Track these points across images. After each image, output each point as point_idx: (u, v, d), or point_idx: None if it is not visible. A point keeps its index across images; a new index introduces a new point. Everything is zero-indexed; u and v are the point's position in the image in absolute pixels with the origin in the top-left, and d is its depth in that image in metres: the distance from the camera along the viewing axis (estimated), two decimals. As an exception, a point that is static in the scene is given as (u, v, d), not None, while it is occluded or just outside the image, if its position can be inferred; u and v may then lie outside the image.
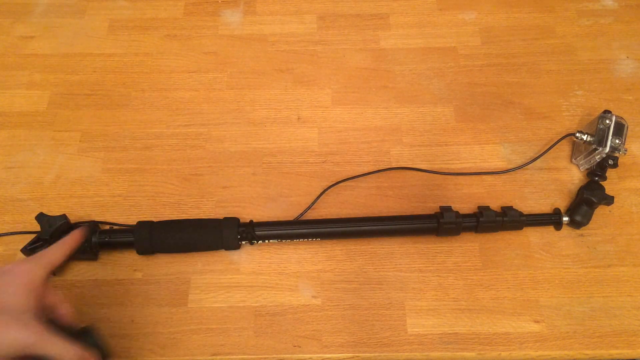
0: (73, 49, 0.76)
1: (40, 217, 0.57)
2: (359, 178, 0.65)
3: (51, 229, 0.56)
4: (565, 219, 0.61)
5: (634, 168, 0.66)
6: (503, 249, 0.60)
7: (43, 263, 0.46)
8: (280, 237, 0.59)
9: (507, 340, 0.55)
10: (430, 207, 0.63)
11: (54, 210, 0.61)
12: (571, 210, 0.61)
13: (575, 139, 0.65)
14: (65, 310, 0.47)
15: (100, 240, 0.58)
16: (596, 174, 0.63)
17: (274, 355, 0.55)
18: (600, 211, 0.62)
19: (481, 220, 0.59)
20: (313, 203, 0.63)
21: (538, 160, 0.66)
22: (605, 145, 0.61)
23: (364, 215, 0.61)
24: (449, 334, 0.56)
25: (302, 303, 0.57)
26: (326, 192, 0.64)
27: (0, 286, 0.42)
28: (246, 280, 0.59)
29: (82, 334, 0.45)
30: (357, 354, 0.55)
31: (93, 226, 0.59)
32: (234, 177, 0.65)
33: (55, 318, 0.46)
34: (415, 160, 0.66)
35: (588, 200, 0.60)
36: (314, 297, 0.58)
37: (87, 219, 0.62)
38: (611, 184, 0.64)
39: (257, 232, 0.58)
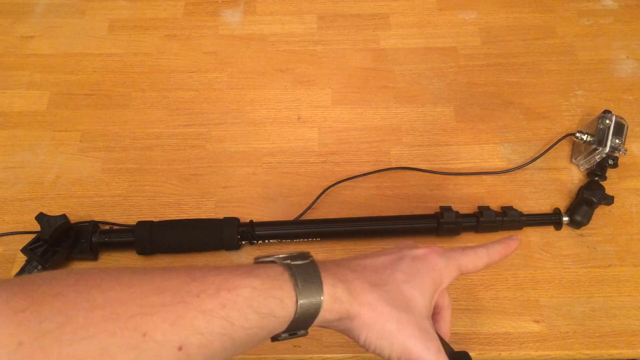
0: (73, 49, 0.76)
1: (40, 217, 0.57)
2: (359, 178, 0.65)
3: (51, 229, 0.56)
4: (565, 219, 0.61)
5: (634, 168, 0.66)
6: (503, 249, 0.60)
7: (458, 264, 0.39)
8: (280, 237, 0.59)
9: (507, 340, 0.55)
10: (430, 207, 0.63)
11: (54, 210, 0.61)
12: (571, 210, 0.61)
13: (575, 139, 0.65)
14: (447, 323, 0.40)
15: (100, 240, 0.58)
16: (596, 174, 0.63)
17: (274, 355, 0.55)
18: (600, 211, 0.62)
19: (481, 220, 0.59)
20: (313, 203, 0.63)
21: (538, 160, 0.66)
22: (605, 145, 0.61)
23: (364, 215, 0.61)
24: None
25: (302, 303, 0.57)
26: (326, 192, 0.64)
27: (412, 273, 0.36)
28: (246, 280, 0.59)
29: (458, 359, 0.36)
30: (357, 354, 0.55)
31: (93, 226, 0.59)
32: (234, 177, 0.65)
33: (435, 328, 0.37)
34: (415, 160, 0.66)
35: (588, 200, 0.60)
36: (314, 297, 0.58)
37: (87, 219, 0.62)
38: (611, 184, 0.64)
39: (257, 232, 0.58)
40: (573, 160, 0.66)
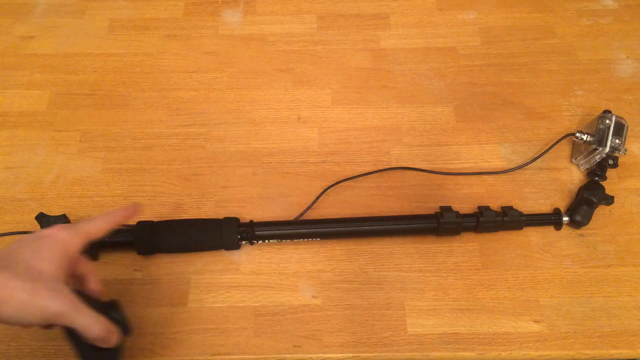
0: (73, 49, 0.76)
1: (40, 217, 0.57)
2: (359, 178, 0.65)
3: (51, 229, 0.56)
4: (565, 219, 0.61)
5: (634, 168, 0.66)
6: (503, 249, 0.60)
7: (82, 233, 0.45)
8: (280, 237, 0.59)
9: (507, 340, 0.55)
10: (430, 207, 0.63)
11: (54, 210, 0.61)
12: (571, 210, 0.61)
13: (575, 139, 0.65)
14: (93, 283, 0.47)
15: (100, 240, 0.58)
16: (596, 174, 0.63)
17: (274, 355, 0.55)
18: (600, 211, 0.62)
19: (481, 220, 0.59)
20: (313, 203, 0.63)
21: (538, 160, 0.66)
22: (605, 145, 0.61)
23: (364, 215, 0.61)
24: (449, 334, 0.56)
25: (302, 303, 0.57)
26: (326, 192, 0.64)
27: (36, 250, 0.42)
28: (246, 280, 0.59)
29: (107, 308, 0.44)
30: (357, 354, 0.55)
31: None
32: (234, 177, 0.65)
33: (82, 289, 0.45)
34: (415, 160, 0.66)
35: (588, 200, 0.60)
36: (314, 297, 0.58)
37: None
38: (611, 184, 0.64)
39: (257, 232, 0.58)
40: (573, 160, 0.66)
